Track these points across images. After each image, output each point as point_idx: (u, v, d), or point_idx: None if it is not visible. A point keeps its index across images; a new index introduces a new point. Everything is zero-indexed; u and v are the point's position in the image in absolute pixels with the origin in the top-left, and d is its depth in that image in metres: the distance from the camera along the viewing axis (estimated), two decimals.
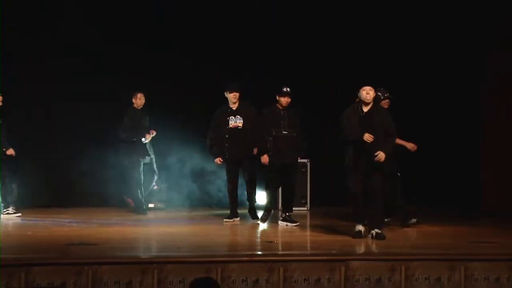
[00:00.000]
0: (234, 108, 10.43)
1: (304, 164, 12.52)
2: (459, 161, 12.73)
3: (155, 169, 11.77)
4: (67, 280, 7.12)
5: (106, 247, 8.38)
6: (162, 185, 12.30)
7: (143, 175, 11.46)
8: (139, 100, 11.44)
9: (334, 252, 8.06)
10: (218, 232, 9.72)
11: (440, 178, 12.38)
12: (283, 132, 9.91)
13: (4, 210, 10.87)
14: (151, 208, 12.05)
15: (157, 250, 8.62)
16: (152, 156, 11.63)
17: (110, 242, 8.72)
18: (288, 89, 9.98)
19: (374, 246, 8.63)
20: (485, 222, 11.07)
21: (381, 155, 8.64)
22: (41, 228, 9.94)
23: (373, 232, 8.81)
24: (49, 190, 12.17)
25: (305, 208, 12.48)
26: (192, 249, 8.22)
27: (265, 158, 9.93)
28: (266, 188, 10.26)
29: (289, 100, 9.98)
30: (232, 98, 10.38)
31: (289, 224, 10.02)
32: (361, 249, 8.48)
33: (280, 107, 10.00)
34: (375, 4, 12.53)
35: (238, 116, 10.37)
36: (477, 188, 12.76)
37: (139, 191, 11.40)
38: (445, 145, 12.60)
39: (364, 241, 8.87)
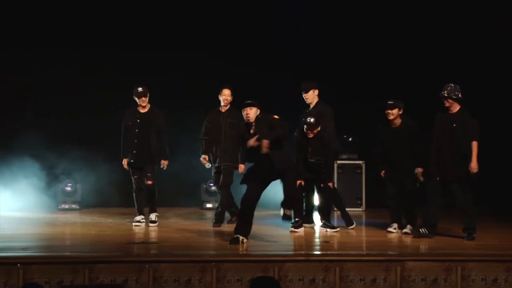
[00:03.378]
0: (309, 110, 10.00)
1: (359, 165, 12.59)
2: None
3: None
4: (129, 278, 7.36)
5: (166, 245, 8.59)
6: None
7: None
8: (222, 97, 10.29)
9: (389, 252, 8.13)
10: (275, 232, 9.83)
11: (493, 178, 12.27)
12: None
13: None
14: (209, 208, 12.23)
15: (215, 249, 8.78)
16: (221, 164, 10.20)
17: (169, 241, 8.92)
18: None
19: (429, 246, 8.65)
20: None
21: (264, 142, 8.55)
22: (104, 227, 10.23)
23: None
24: (112, 191, 12.42)
25: (360, 209, 12.52)
26: (249, 249, 8.35)
27: None
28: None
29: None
30: (305, 98, 10.00)
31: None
32: (416, 250, 8.52)
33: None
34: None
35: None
36: None
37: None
38: (493, 145, 12.48)
39: (420, 241, 8.91)
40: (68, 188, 12.25)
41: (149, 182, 10.18)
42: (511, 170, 12.54)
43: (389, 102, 9.50)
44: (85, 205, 12.28)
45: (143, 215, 10.32)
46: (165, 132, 10.33)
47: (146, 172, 10.18)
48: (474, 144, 9.02)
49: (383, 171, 9.71)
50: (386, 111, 9.47)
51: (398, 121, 9.52)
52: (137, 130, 10.20)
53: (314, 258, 7.83)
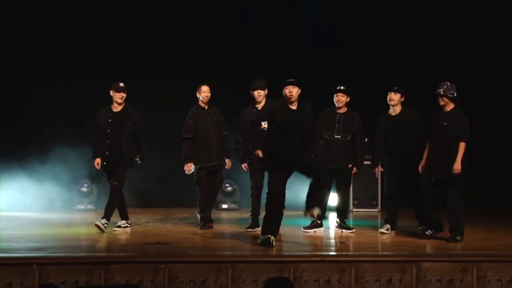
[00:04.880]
0: (259, 108, 9.62)
1: None
2: None
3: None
4: (144, 278, 7.37)
5: (181, 246, 8.60)
6: (235, 186, 12.45)
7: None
8: (202, 94, 9.89)
9: (405, 253, 8.10)
10: (290, 232, 9.82)
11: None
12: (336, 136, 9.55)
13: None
14: (224, 209, 12.23)
15: (230, 249, 8.78)
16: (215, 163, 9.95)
17: (184, 242, 8.93)
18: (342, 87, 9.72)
19: (445, 247, 8.62)
20: None
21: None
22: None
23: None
24: (127, 191, 12.44)
25: (376, 210, 12.49)
26: (264, 249, 8.34)
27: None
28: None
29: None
30: (256, 96, 9.64)
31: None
32: (432, 250, 8.49)
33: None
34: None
35: None
36: None
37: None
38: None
39: (434, 242, 8.87)
40: (84, 189, 12.31)
41: (115, 183, 9.69)
42: None
43: (394, 87, 9.48)
44: (101, 206, 12.27)
45: (127, 219, 9.99)
46: (141, 131, 9.69)
47: (115, 175, 9.67)
48: (461, 145, 8.85)
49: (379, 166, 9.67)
50: (389, 97, 9.44)
51: (398, 109, 9.47)
52: (109, 130, 9.60)
53: (330, 258, 7.81)
